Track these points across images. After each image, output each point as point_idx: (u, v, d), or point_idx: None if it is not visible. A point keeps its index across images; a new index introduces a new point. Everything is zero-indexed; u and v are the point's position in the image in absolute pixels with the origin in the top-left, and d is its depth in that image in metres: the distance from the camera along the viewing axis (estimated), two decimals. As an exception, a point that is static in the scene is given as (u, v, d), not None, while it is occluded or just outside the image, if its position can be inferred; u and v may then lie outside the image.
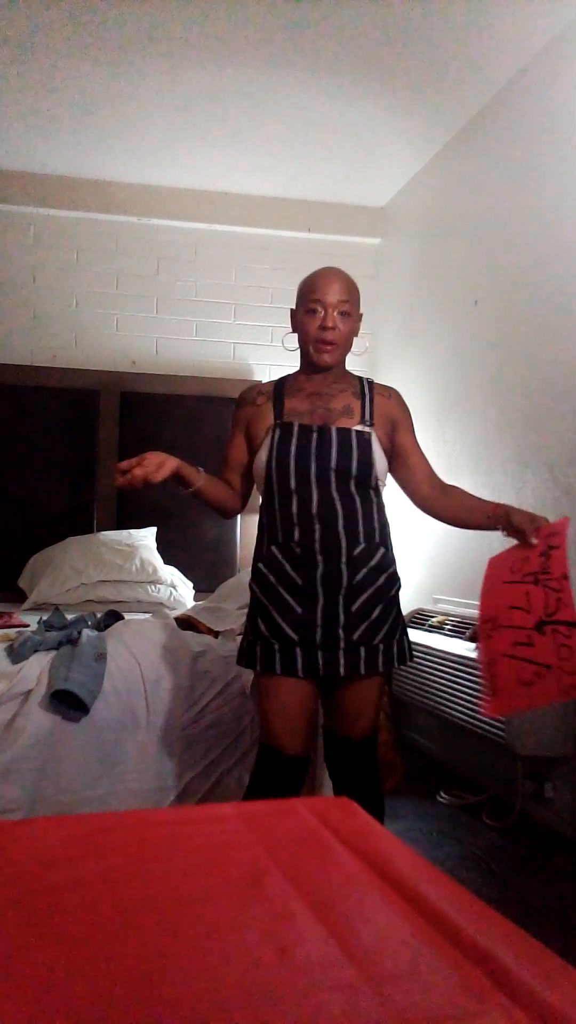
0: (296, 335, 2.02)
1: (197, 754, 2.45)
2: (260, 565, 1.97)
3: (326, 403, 1.98)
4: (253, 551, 2.06)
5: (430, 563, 3.75)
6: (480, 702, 1.95)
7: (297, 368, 2.09)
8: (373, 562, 1.92)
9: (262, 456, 1.98)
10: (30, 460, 4.13)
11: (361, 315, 2.04)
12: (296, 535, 1.91)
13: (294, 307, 2.03)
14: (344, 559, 1.89)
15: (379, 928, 0.91)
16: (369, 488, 1.96)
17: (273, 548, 1.95)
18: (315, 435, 1.92)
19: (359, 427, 1.96)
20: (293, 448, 1.92)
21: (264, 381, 2.12)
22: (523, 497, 3.07)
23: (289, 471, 1.92)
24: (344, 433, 1.93)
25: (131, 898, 0.99)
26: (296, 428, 1.94)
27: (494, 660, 1.87)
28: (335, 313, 1.93)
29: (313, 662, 1.89)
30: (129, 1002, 0.77)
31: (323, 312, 1.93)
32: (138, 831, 1.23)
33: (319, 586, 1.89)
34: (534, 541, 1.89)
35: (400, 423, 2.04)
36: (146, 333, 4.42)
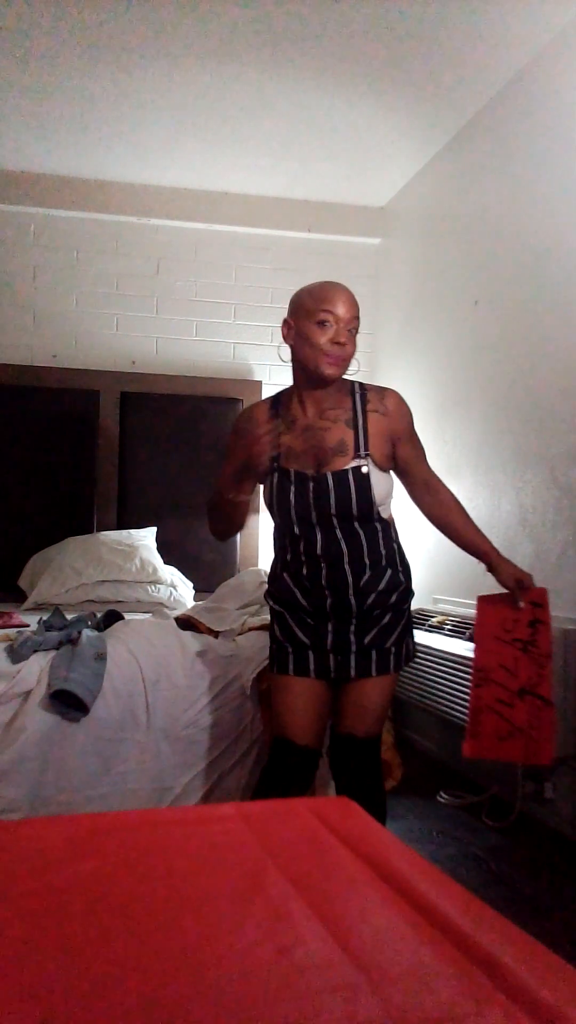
0: (291, 345, 1.97)
1: (197, 754, 2.45)
2: (275, 584, 2.04)
3: (320, 441, 1.95)
4: (271, 566, 2.12)
5: (430, 563, 3.75)
6: (463, 740, 2.11)
7: (290, 385, 2.06)
8: (381, 586, 1.97)
9: (265, 494, 2.03)
10: (30, 460, 4.13)
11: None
12: (304, 571, 1.97)
13: (287, 319, 1.97)
14: (351, 591, 1.95)
15: (379, 928, 0.91)
16: (373, 521, 1.97)
17: (285, 575, 2.02)
18: (311, 484, 1.93)
19: (354, 463, 1.93)
20: (292, 495, 1.94)
21: (258, 403, 2.10)
22: (523, 497, 3.07)
23: (291, 517, 1.95)
24: (340, 476, 1.92)
25: (131, 898, 0.99)
26: (293, 475, 1.94)
27: (480, 708, 2.05)
28: (347, 329, 1.90)
29: (325, 665, 1.97)
30: (129, 1002, 0.77)
31: (334, 326, 1.89)
32: (138, 831, 1.23)
33: (329, 612, 1.97)
34: (521, 605, 2.05)
35: (400, 437, 2.01)
36: (146, 333, 4.42)
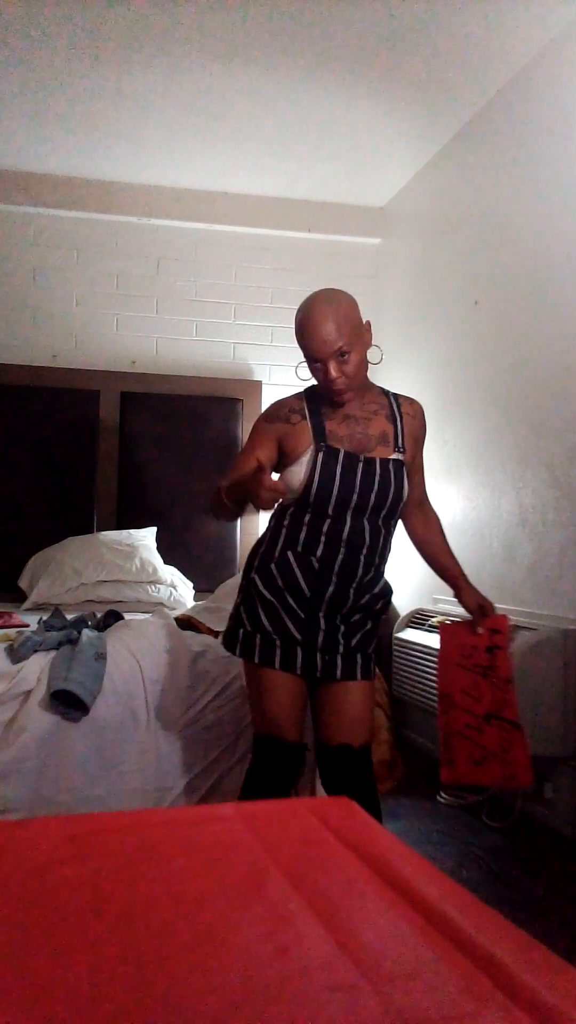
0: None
1: (197, 754, 2.45)
2: (272, 566, 1.97)
3: (364, 428, 1.98)
4: (261, 549, 2.04)
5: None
6: (440, 767, 2.13)
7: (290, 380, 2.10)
8: (376, 589, 2.01)
9: (300, 473, 1.94)
10: (30, 460, 4.13)
11: (368, 325, 1.97)
12: (319, 551, 1.94)
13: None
14: (355, 584, 1.96)
15: (379, 928, 0.91)
16: (393, 519, 2.02)
17: (289, 554, 1.96)
18: (361, 465, 1.93)
19: (395, 456, 1.98)
20: (338, 474, 1.92)
21: (291, 395, 2.05)
22: (523, 497, 3.07)
23: (331, 496, 1.92)
24: (386, 465, 1.95)
25: (131, 898, 0.99)
26: (342, 455, 1.93)
27: (450, 733, 2.08)
28: (333, 362, 1.88)
29: (312, 663, 1.95)
30: (129, 1002, 0.77)
31: (323, 367, 1.90)
32: (138, 831, 1.23)
33: (324, 602, 1.96)
34: (480, 631, 2.08)
35: (421, 443, 2.10)
36: (146, 333, 4.42)
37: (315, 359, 1.90)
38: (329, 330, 1.86)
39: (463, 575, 2.16)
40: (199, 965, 0.83)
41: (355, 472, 1.92)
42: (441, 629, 2.21)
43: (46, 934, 0.90)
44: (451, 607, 3.47)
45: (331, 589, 1.94)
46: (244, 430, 4.36)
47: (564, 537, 2.82)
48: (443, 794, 3.12)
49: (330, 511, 1.93)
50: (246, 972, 0.81)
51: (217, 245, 4.48)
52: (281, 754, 1.97)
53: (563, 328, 2.87)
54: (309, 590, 1.94)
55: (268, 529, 2.07)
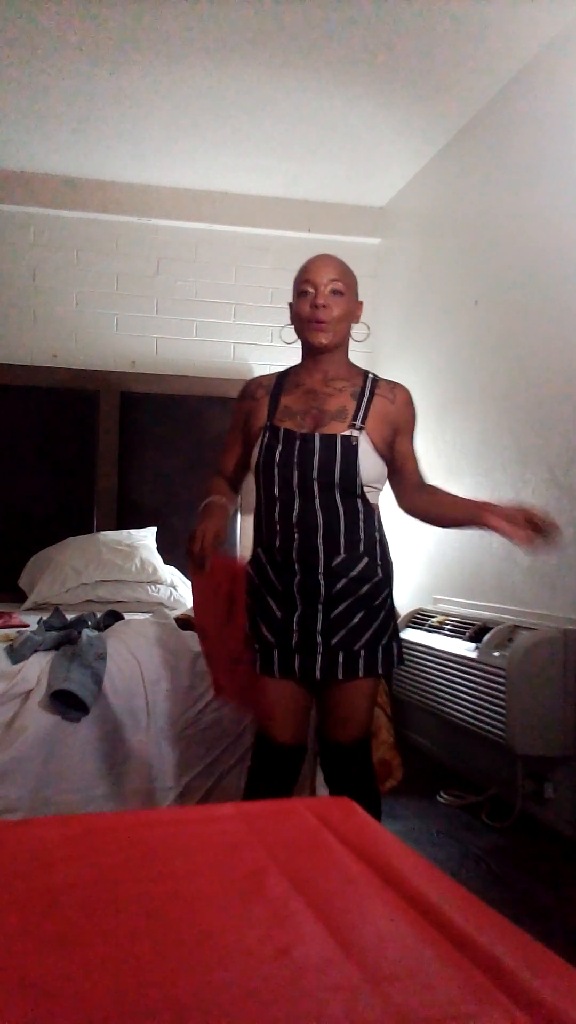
0: (294, 327, 2.00)
1: (197, 754, 2.45)
2: (248, 566, 1.96)
3: (321, 403, 1.93)
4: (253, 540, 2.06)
5: (430, 563, 3.75)
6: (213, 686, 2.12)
7: (299, 362, 2.06)
8: (354, 572, 1.89)
9: (253, 456, 1.97)
10: (30, 460, 4.13)
11: (361, 303, 2.01)
12: (277, 541, 1.90)
13: (291, 300, 2.01)
14: (321, 569, 1.87)
15: (379, 928, 0.91)
16: (355, 497, 1.91)
17: (259, 550, 1.96)
18: (298, 442, 1.88)
19: (347, 432, 1.89)
20: (278, 454, 1.89)
21: (268, 373, 2.10)
22: (523, 497, 3.07)
23: (273, 477, 1.90)
24: (328, 440, 1.88)
25: (131, 898, 0.99)
26: (282, 433, 1.90)
27: (208, 655, 2.09)
28: (326, 291, 1.90)
29: (289, 665, 1.90)
30: (129, 1002, 0.77)
31: (314, 292, 1.91)
32: (138, 831, 1.23)
33: (296, 594, 1.89)
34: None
35: (401, 428, 1.98)
36: (146, 333, 4.42)
37: (310, 283, 1.91)
38: (333, 264, 1.95)
39: (482, 502, 1.96)
40: (199, 965, 0.83)
41: (294, 448, 1.88)
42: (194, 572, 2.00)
43: (46, 933, 0.90)
44: (451, 607, 3.48)
45: (297, 578, 1.87)
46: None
47: (564, 537, 2.82)
48: (443, 794, 3.12)
49: (276, 492, 1.89)
50: (246, 972, 0.81)
51: (217, 245, 4.48)
52: (274, 755, 1.96)
53: (563, 328, 2.87)
54: (279, 583, 1.89)
55: None
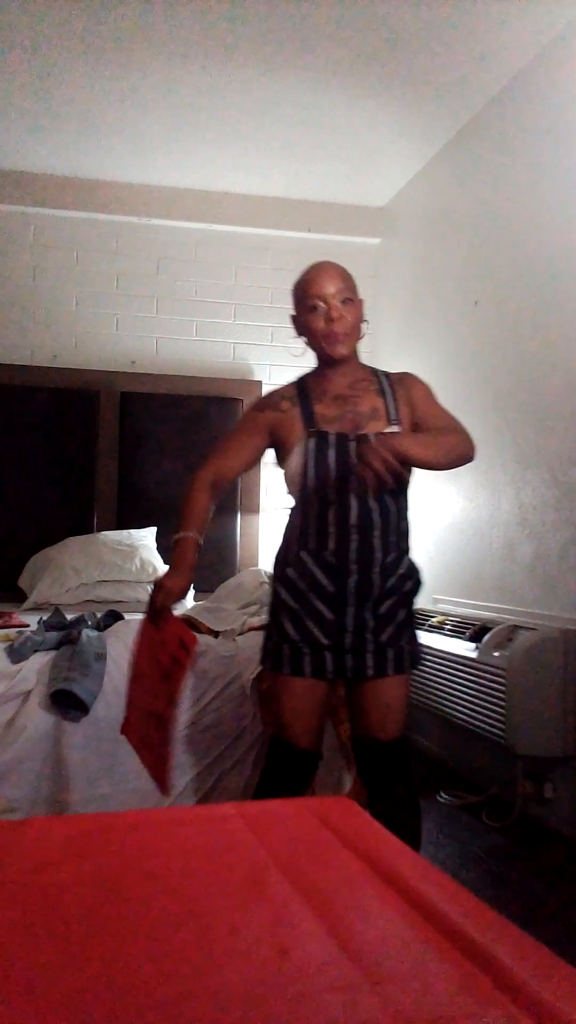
0: (303, 339, 2.01)
1: (197, 754, 2.45)
2: (289, 571, 1.93)
3: (353, 406, 1.95)
4: (278, 552, 2.01)
5: (430, 563, 3.75)
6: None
7: (307, 369, 2.06)
8: (402, 569, 1.94)
9: (295, 464, 1.94)
10: (30, 460, 4.13)
11: (362, 300, 2.01)
12: (331, 544, 1.89)
13: (293, 312, 2.00)
14: (378, 568, 1.90)
15: (379, 928, 0.91)
16: (402, 494, 1.96)
17: (303, 555, 1.92)
18: (353, 444, 1.89)
19: (389, 428, 1.92)
20: (332, 458, 1.90)
21: (282, 386, 2.06)
22: (523, 497, 3.07)
23: (329, 482, 1.90)
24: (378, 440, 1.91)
25: (131, 898, 0.99)
26: (333, 437, 1.90)
27: (131, 701, 2.05)
28: (337, 303, 1.91)
29: (341, 665, 1.91)
30: (129, 1002, 0.77)
31: (325, 306, 1.91)
32: (138, 831, 1.23)
33: (351, 594, 1.89)
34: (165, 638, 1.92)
35: (417, 400, 2.01)
36: (146, 333, 4.42)
37: (319, 297, 1.91)
38: (336, 273, 1.95)
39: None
40: (199, 965, 0.83)
41: (347, 451, 1.89)
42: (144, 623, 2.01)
43: (46, 934, 0.90)
44: (451, 607, 3.48)
45: (354, 578, 1.88)
46: (238, 421, 4.36)
47: (564, 537, 2.82)
48: (443, 794, 3.12)
49: (332, 497, 1.89)
50: (246, 972, 0.81)
51: (217, 245, 4.48)
52: (293, 760, 1.95)
53: (563, 328, 2.87)
54: (331, 584, 1.89)
55: (283, 532, 2.02)
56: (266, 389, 4.37)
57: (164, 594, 1.91)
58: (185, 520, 1.99)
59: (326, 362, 2.00)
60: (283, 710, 1.95)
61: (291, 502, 2.02)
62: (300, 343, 2.03)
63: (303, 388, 2.02)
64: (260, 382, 4.42)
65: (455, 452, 1.92)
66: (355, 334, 1.96)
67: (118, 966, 0.83)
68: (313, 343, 1.98)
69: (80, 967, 0.83)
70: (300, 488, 1.94)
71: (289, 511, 2.02)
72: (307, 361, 2.07)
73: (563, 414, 2.86)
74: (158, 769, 1.97)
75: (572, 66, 2.87)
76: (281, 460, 2.01)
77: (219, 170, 4.18)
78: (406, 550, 1.97)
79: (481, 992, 0.77)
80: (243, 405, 4.35)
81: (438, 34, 2.99)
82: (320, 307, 1.92)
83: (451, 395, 3.75)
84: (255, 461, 2.06)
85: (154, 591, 1.93)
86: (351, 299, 1.94)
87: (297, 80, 3.33)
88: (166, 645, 1.92)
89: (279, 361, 4.42)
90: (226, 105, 3.54)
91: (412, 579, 1.97)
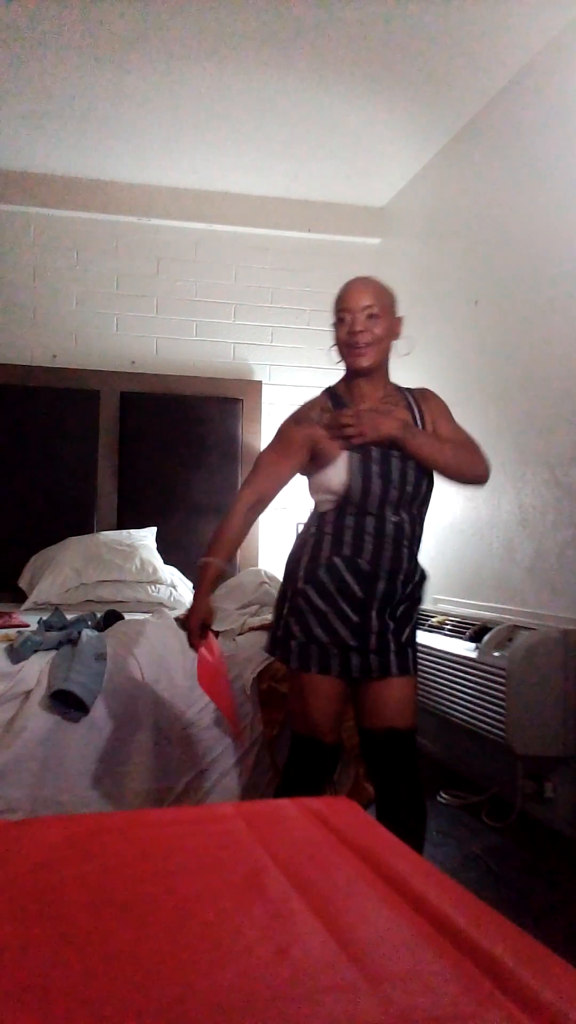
0: (337, 349, 2.07)
1: (197, 754, 2.45)
2: (320, 573, 1.96)
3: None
4: (300, 555, 2.01)
5: (430, 563, 3.72)
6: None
7: (305, 373, 2.10)
8: (417, 576, 2.04)
9: (338, 475, 1.96)
10: (30, 460, 4.13)
11: (400, 318, 2.09)
12: (366, 552, 1.95)
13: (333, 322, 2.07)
14: (402, 575, 1.98)
15: (379, 928, 0.91)
16: (426, 505, 2.06)
17: (336, 560, 1.96)
18: (395, 459, 1.96)
19: None
20: (376, 473, 1.95)
21: (313, 398, 2.08)
22: (523, 497, 3.07)
23: (371, 494, 1.95)
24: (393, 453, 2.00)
25: (131, 898, 0.99)
26: (376, 453, 1.95)
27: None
28: (362, 317, 1.98)
29: (367, 665, 1.98)
30: (129, 1001, 0.77)
31: (350, 318, 1.98)
32: (138, 831, 1.23)
33: (376, 599, 1.96)
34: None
35: (439, 419, 2.12)
36: (146, 333, 4.42)
37: (346, 309, 1.98)
38: (367, 289, 2.02)
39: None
40: (199, 965, 0.83)
41: (391, 467, 1.95)
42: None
43: (46, 933, 0.90)
44: (451, 607, 3.48)
45: (382, 586, 1.96)
46: (244, 430, 4.35)
47: (564, 537, 2.82)
48: (443, 794, 3.12)
49: (374, 510, 1.95)
50: (246, 972, 0.81)
51: (217, 245, 4.48)
52: (321, 755, 2.02)
53: (563, 328, 2.87)
54: (361, 591, 1.95)
55: (307, 535, 2.03)
56: (266, 389, 4.39)
57: (192, 627, 2.03)
58: (214, 545, 2.01)
59: (354, 373, 2.06)
60: (311, 709, 1.99)
61: (314, 506, 2.04)
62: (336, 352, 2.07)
63: (336, 398, 2.05)
64: (260, 382, 4.42)
65: (468, 466, 2.06)
66: (379, 349, 2.02)
67: (118, 966, 0.83)
68: (340, 355, 2.05)
69: (80, 967, 0.83)
70: (341, 499, 1.97)
71: (316, 516, 2.03)
72: (311, 363, 2.08)
73: (563, 414, 2.86)
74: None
75: (572, 66, 2.87)
76: (315, 469, 2.01)
77: (219, 170, 4.18)
78: (417, 554, 2.07)
79: (481, 992, 0.77)
80: (243, 405, 4.35)
81: (438, 34, 2.99)
82: (345, 319, 1.99)
83: (451, 395, 3.74)
84: (293, 477, 2.07)
85: (186, 619, 2.05)
86: (378, 315, 2.00)
87: (297, 80, 3.33)
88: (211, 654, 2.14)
89: (279, 361, 4.42)
90: (226, 105, 3.54)
91: (423, 583, 2.08)
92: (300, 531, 2.08)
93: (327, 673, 1.96)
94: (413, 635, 2.05)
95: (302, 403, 2.08)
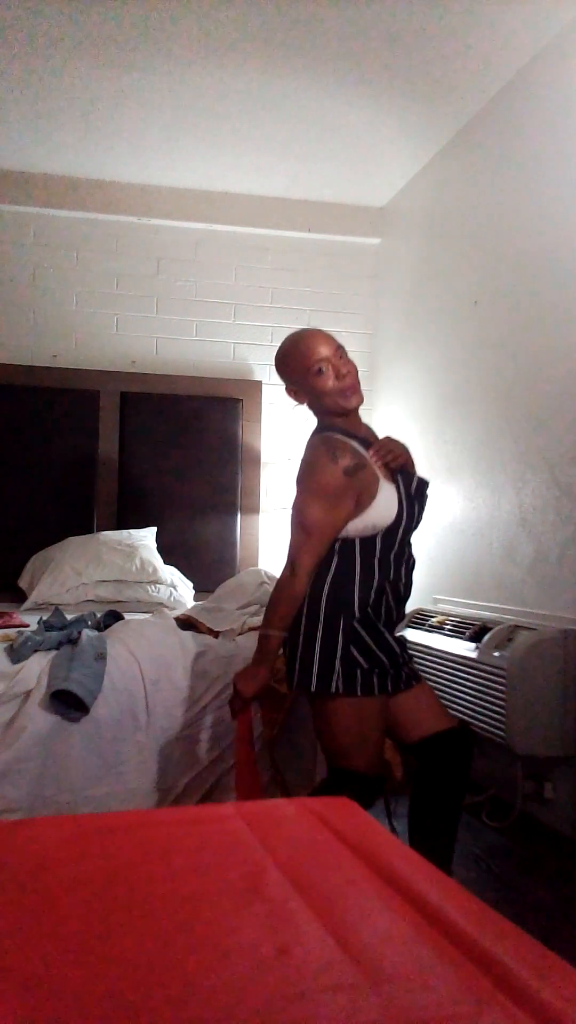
0: (307, 404, 2.10)
1: (197, 754, 2.45)
2: (371, 594, 1.98)
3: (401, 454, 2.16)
4: (356, 583, 1.98)
5: (430, 563, 3.75)
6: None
7: (334, 422, 2.09)
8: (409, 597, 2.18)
9: (387, 508, 1.99)
10: (30, 460, 4.13)
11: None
12: (402, 576, 2.08)
13: (288, 386, 2.09)
14: (406, 597, 2.13)
15: (379, 928, 0.91)
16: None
17: (387, 584, 2.04)
18: (415, 490, 2.08)
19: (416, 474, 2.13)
20: (414, 499, 2.07)
21: (339, 438, 2.01)
22: (523, 497, 3.07)
23: (413, 519, 2.07)
24: (423, 485, 2.11)
25: (131, 898, 0.99)
26: (415, 481, 2.08)
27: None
28: (338, 360, 2.02)
29: (397, 680, 2.06)
30: (129, 1002, 0.77)
31: (329, 365, 2.01)
32: (138, 831, 1.23)
33: (394, 622, 2.10)
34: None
35: None
36: (146, 333, 4.42)
37: (321, 360, 1.99)
38: (325, 336, 2.04)
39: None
40: (199, 965, 0.83)
41: (413, 501, 2.07)
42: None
43: (46, 933, 0.90)
44: (451, 607, 3.48)
45: (396, 612, 2.09)
46: (244, 430, 4.36)
47: (564, 537, 2.82)
48: (443, 794, 3.11)
49: (405, 535, 2.06)
50: (246, 972, 0.81)
51: (217, 245, 4.48)
52: (369, 792, 2.03)
53: (563, 328, 2.87)
54: (396, 614, 2.10)
55: (349, 565, 1.99)
56: (266, 389, 4.39)
57: (246, 693, 2.05)
58: (275, 616, 2.01)
59: (342, 413, 2.07)
60: (356, 737, 2.00)
61: (345, 536, 2.00)
62: (300, 410, 2.14)
63: (353, 437, 2.04)
64: (260, 382, 4.42)
65: None
66: (359, 384, 2.07)
67: (118, 966, 0.83)
68: (326, 402, 2.04)
69: (80, 967, 0.83)
70: (388, 529, 2.01)
71: (351, 545, 1.99)
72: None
73: (563, 414, 2.86)
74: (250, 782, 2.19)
75: (572, 66, 2.87)
76: (361, 509, 1.98)
77: (219, 170, 4.18)
78: None
79: (481, 992, 0.77)
80: (243, 405, 4.36)
81: (438, 34, 2.99)
82: (326, 367, 2.00)
83: (451, 395, 3.77)
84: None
85: (236, 685, 2.07)
86: (345, 354, 2.04)
87: (297, 80, 3.33)
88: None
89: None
90: (226, 105, 3.54)
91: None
92: (335, 562, 1.99)
93: (385, 692, 2.03)
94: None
95: (329, 453, 1.96)
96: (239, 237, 4.49)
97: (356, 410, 2.09)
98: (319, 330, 2.07)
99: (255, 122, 3.68)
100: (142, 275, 4.41)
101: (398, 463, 2.04)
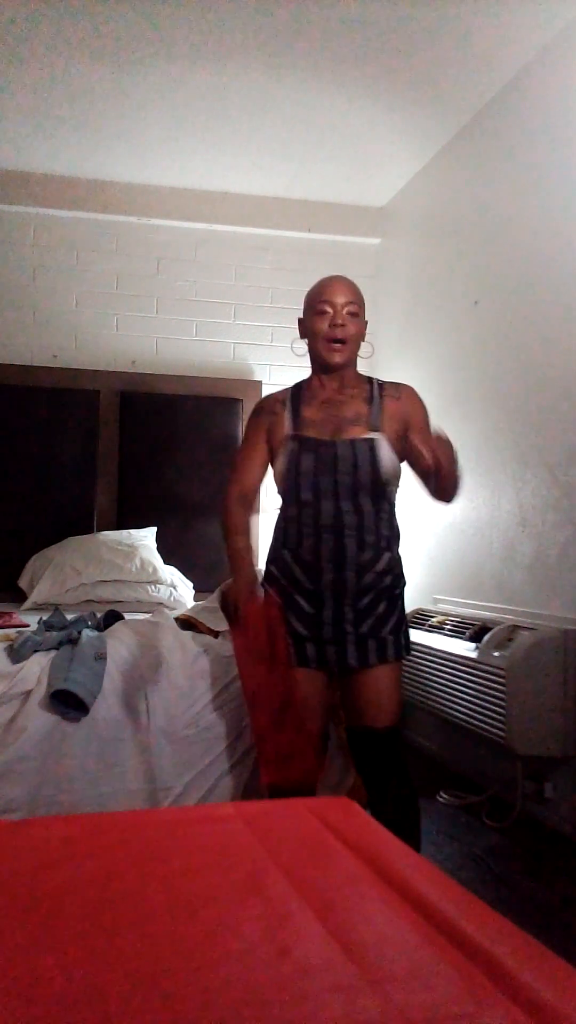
0: (306, 341, 2.10)
1: (197, 754, 2.45)
2: (272, 568, 2.07)
3: (337, 410, 2.06)
4: (269, 553, 2.13)
5: (430, 563, 3.75)
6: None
7: (306, 374, 2.15)
8: (379, 567, 2.02)
9: (280, 465, 2.06)
10: (30, 460, 4.13)
11: (367, 322, 2.12)
12: (307, 543, 2.01)
13: (301, 316, 2.11)
14: (350, 567, 1.99)
15: (379, 928, 0.91)
16: (378, 495, 2.03)
17: (285, 552, 2.05)
18: (325, 449, 2.00)
19: (366, 435, 2.02)
20: (309, 462, 2.00)
21: (279, 390, 2.18)
22: (523, 497, 3.07)
23: (304, 484, 2.01)
24: (354, 444, 2.00)
25: (131, 898, 0.99)
26: (312, 442, 2.02)
27: (260, 735, 2.04)
28: (344, 312, 2.02)
29: (323, 655, 2.00)
30: (129, 1002, 0.77)
31: (332, 312, 2.02)
32: (138, 831, 1.23)
33: (326, 589, 2.00)
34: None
35: (411, 422, 2.09)
36: (146, 333, 4.42)
37: (329, 303, 2.01)
38: (349, 287, 2.06)
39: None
40: (199, 965, 0.83)
41: (321, 456, 2.00)
42: (232, 632, 2.08)
43: (46, 933, 0.90)
44: (451, 607, 3.48)
45: (329, 576, 1.99)
46: (244, 430, 4.35)
47: (564, 537, 2.82)
48: (443, 794, 3.12)
49: (307, 498, 2.00)
50: (247, 972, 0.81)
51: (217, 245, 4.48)
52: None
53: (563, 328, 2.87)
54: (309, 583, 2.00)
55: (273, 529, 2.14)
56: (266, 389, 4.38)
57: (234, 594, 2.01)
58: (227, 534, 2.12)
59: (322, 368, 2.08)
60: (303, 768, 2.00)
61: (279, 501, 2.12)
62: (302, 345, 2.12)
63: (297, 392, 2.12)
64: (260, 382, 4.42)
65: (458, 485, 2.00)
66: (353, 346, 2.06)
67: (118, 966, 0.83)
68: (313, 346, 2.07)
69: (80, 966, 0.83)
70: (283, 489, 2.06)
71: (278, 510, 2.12)
72: (306, 361, 2.14)
73: (563, 414, 2.86)
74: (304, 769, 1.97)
75: (572, 66, 2.87)
76: (272, 461, 2.11)
77: (219, 170, 4.18)
78: (386, 548, 2.05)
79: (481, 992, 0.77)
80: (243, 405, 4.35)
81: (438, 34, 2.99)
82: (327, 312, 2.02)
83: (451, 395, 3.76)
84: (266, 467, 2.16)
85: (223, 600, 2.06)
86: (356, 314, 2.04)
87: (297, 80, 3.33)
88: (257, 636, 1.97)
89: (279, 361, 4.42)
90: (226, 105, 3.54)
91: (391, 574, 2.05)
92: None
93: (305, 665, 2.00)
94: (382, 625, 2.01)
95: (264, 395, 2.16)
96: (239, 237, 4.49)
97: (341, 371, 2.06)
98: (348, 280, 2.08)
99: (255, 122, 3.68)
100: (142, 275, 4.41)
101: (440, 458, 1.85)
